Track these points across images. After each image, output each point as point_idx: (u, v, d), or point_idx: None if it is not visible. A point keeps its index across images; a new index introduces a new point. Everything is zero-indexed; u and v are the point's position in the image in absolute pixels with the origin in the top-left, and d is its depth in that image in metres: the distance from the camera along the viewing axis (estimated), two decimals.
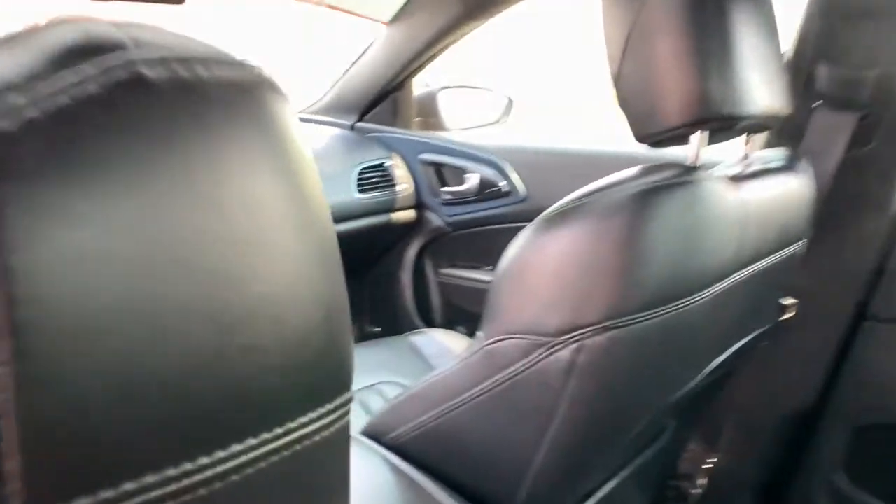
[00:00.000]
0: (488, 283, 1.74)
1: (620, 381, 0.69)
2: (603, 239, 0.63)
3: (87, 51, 0.22)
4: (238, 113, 0.25)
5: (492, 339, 0.74)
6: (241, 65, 0.26)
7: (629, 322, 0.64)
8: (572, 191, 0.71)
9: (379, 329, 2.02)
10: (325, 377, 0.30)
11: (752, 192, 0.79)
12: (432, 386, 0.81)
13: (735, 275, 0.78)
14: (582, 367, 0.66)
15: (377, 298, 2.00)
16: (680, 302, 0.68)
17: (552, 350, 0.67)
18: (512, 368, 0.71)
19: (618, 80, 0.72)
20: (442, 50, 1.66)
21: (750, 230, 0.78)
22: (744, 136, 0.86)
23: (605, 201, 0.66)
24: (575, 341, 0.65)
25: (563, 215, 0.68)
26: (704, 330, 0.78)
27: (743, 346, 0.96)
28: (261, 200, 0.26)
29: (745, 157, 0.86)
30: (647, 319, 0.65)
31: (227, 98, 0.25)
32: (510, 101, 1.98)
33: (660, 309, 0.66)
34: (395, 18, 1.61)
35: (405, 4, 1.56)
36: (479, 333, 0.77)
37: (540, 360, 0.68)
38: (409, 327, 1.87)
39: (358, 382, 1.38)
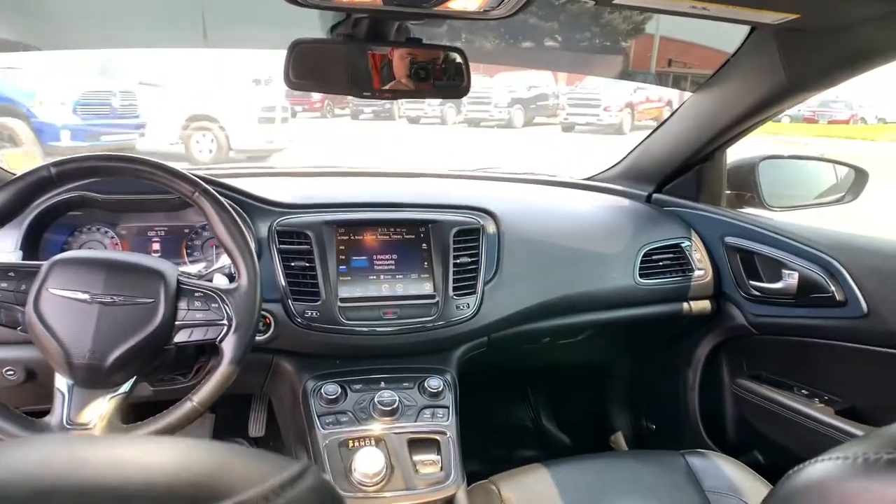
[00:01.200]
0: (799, 412, 1.38)
1: None
2: None
3: None
4: None
5: None
6: None
7: None
8: None
9: (654, 427, 1.78)
10: None
11: None
12: None
13: None
14: None
15: (657, 393, 1.76)
16: None
17: None
18: None
19: None
20: (762, 122, 1.37)
21: None
22: None
23: None
24: None
25: (892, 466, 0.43)
26: None
27: None
28: None
29: None
30: None
31: None
32: (862, 175, 1.55)
33: None
34: (706, 85, 1.39)
35: (717, 72, 1.33)
36: None
37: None
38: (691, 440, 1.59)
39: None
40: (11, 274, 0.93)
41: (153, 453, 0.27)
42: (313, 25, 1.19)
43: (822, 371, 1.38)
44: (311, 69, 1.06)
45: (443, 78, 1.10)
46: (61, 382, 0.92)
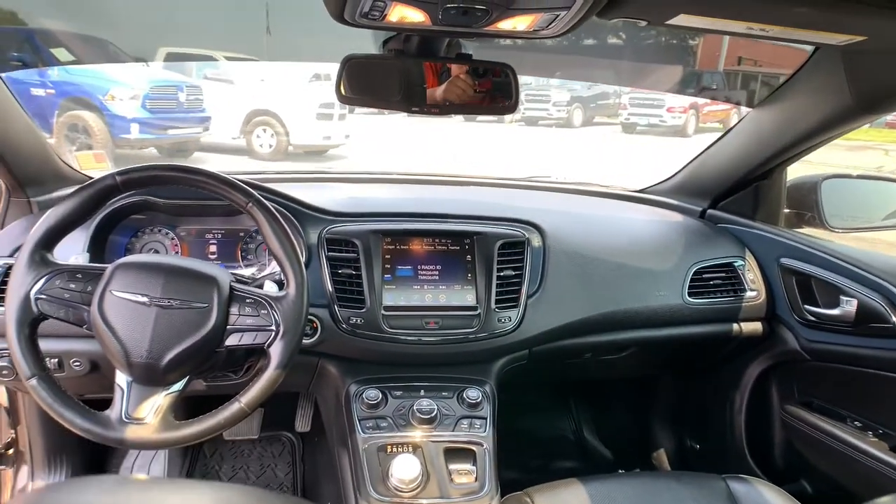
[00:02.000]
0: (851, 445, 1.32)
1: None
2: None
3: None
4: None
5: None
6: None
7: None
8: None
9: (698, 447, 1.74)
10: None
11: None
12: None
13: None
14: None
15: (702, 413, 1.71)
16: None
17: None
18: None
19: None
20: (826, 141, 1.32)
21: None
22: None
23: None
24: None
25: None
26: None
27: None
28: None
29: None
30: None
31: None
32: None
33: None
34: (767, 101, 1.34)
35: (779, 88, 1.29)
36: None
37: None
38: (735, 464, 1.55)
39: None
40: (79, 276, 0.99)
41: (192, 501, 0.29)
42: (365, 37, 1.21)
43: (879, 404, 1.32)
44: (364, 84, 1.08)
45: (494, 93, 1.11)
46: (121, 379, 0.98)
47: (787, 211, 1.56)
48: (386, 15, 0.87)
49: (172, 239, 1.34)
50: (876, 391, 1.32)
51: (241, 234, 1.37)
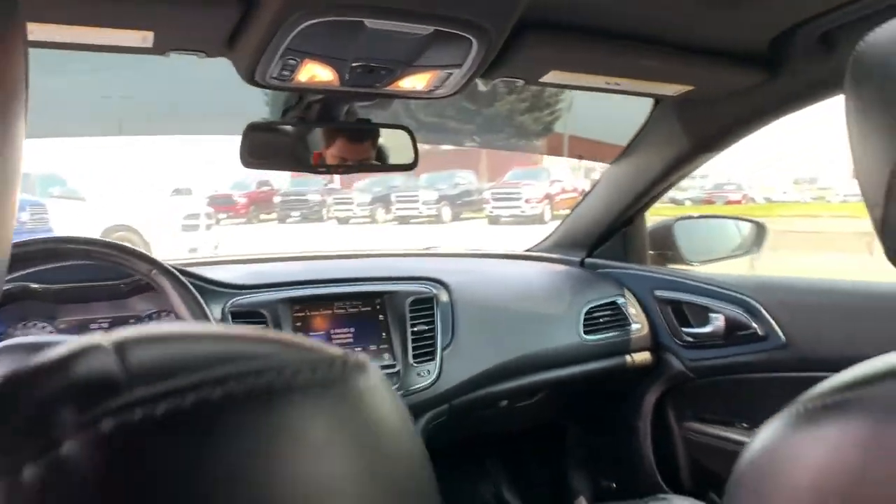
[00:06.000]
0: (743, 444, 1.46)
1: None
2: (882, 457, 0.44)
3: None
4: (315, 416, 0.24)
5: None
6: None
7: None
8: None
9: (614, 486, 1.80)
10: None
11: None
12: None
13: None
14: None
15: (613, 450, 1.80)
16: None
17: None
18: None
19: (883, 226, 0.54)
20: (672, 184, 1.55)
21: None
22: None
23: (886, 396, 0.47)
24: None
25: (826, 411, 0.50)
26: None
27: None
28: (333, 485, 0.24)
29: None
30: None
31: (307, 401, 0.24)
32: (763, 229, 1.74)
33: None
34: (620, 157, 1.56)
35: (629, 146, 1.51)
36: None
37: None
38: (651, 488, 1.63)
39: None
40: None
41: None
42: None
43: (758, 403, 1.48)
44: (267, 150, 1.12)
45: (391, 154, 1.20)
46: None
47: (651, 252, 1.77)
48: (295, 75, 0.94)
49: (51, 332, 1.22)
50: (753, 392, 1.48)
51: (132, 320, 1.28)
